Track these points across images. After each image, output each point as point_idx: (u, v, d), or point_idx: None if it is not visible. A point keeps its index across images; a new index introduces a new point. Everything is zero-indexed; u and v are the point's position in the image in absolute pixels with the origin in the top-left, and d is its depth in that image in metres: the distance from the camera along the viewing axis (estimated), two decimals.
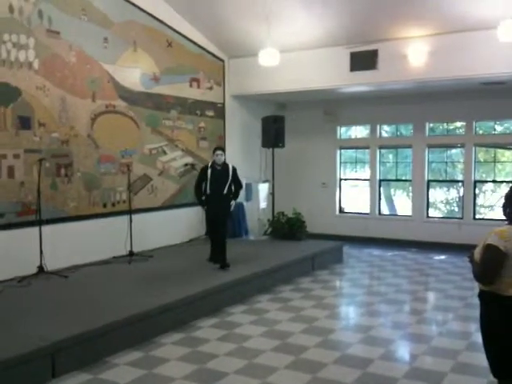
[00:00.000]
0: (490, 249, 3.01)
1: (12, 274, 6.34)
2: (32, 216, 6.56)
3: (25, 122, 6.69)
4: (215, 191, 7.12)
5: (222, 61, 10.22)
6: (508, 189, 3.24)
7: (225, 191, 7.15)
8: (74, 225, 7.30)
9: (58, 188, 7.10)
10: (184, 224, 9.28)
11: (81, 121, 7.45)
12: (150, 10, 8.49)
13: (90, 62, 7.55)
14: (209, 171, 7.21)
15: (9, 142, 6.52)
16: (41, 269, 6.47)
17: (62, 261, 6.95)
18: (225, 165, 7.27)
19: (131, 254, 7.62)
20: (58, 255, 6.85)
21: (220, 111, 10.24)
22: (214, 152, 7.35)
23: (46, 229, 6.64)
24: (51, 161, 6.99)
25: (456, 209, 11.21)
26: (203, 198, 7.22)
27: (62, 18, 7.12)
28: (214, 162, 7.25)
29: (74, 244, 7.25)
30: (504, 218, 3.18)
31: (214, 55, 9.99)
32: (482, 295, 3.17)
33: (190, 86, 9.47)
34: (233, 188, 7.28)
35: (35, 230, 6.45)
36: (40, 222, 6.49)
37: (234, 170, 7.32)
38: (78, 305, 5.41)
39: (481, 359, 3.96)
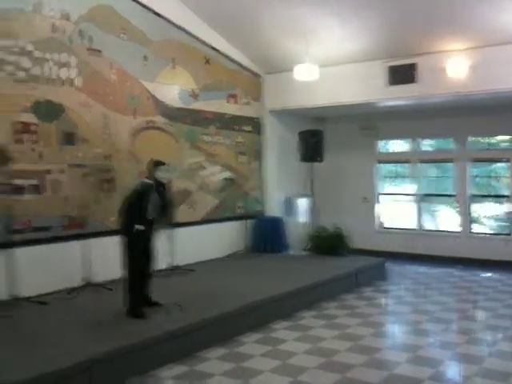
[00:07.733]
0: None
1: (58, 287, 6.44)
2: (77, 229, 6.68)
3: (69, 138, 6.80)
4: None
5: (259, 76, 10.24)
6: None
7: None
8: (116, 238, 7.32)
9: (100, 202, 7.16)
10: (223, 238, 9.25)
11: (122, 137, 7.53)
12: (187, 28, 8.57)
13: (130, 80, 7.65)
14: None
15: (53, 158, 6.63)
16: (87, 281, 6.58)
17: (106, 273, 6.92)
18: None
19: (174, 267, 7.66)
20: (103, 268, 6.86)
21: (257, 126, 10.24)
22: None
23: (90, 242, 6.71)
24: (95, 176, 7.08)
25: (502, 224, 10.82)
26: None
27: (102, 36, 7.25)
28: None
29: (117, 257, 7.26)
30: None
31: (250, 71, 10.01)
32: None
33: (228, 101, 9.51)
34: None
35: (80, 243, 6.56)
36: (87, 236, 6.63)
37: None
38: (120, 317, 5.38)
39: None
